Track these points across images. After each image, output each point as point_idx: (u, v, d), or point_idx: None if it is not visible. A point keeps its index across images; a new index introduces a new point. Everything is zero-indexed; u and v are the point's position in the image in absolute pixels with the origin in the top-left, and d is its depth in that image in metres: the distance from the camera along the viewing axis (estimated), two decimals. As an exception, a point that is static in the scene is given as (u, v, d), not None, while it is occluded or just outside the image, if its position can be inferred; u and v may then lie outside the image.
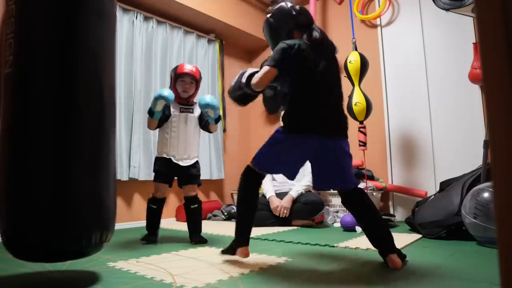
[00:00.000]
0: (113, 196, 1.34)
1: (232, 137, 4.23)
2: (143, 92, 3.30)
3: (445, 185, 2.41)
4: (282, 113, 1.64)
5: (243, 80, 1.58)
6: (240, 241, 1.57)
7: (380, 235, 1.49)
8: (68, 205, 1.16)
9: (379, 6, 3.36)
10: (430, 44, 3.11)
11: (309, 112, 1.49)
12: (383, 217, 2.62)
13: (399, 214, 3.13)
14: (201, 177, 3.66)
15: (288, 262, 1.59)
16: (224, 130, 4.05)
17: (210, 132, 2.35)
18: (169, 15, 3.57)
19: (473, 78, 2.60)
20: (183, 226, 3.00)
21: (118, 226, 2.99)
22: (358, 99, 2.85)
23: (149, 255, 1.78)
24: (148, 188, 3.31)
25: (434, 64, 3.08)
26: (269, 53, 1.95)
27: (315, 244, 1.99)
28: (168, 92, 2.03)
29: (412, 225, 2.36)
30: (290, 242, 2.10)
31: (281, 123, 1.55)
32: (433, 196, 2.43)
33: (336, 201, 3.07)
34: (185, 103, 2.25)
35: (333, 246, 1.93)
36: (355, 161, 3.26)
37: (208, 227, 2.78)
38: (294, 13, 1.59)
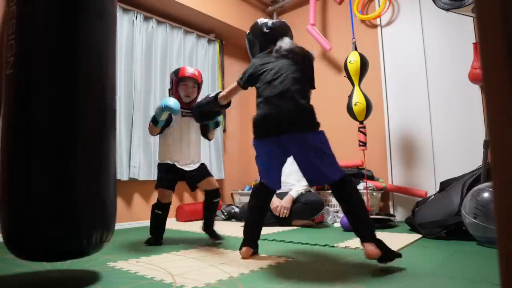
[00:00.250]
0: (113, 196, 1.34)
1: (232, 137, 4.23)
2: (143, 92, 3.30)
3: (445, 185, 2.41)
4: None
5: (212, 95, 1.86)
6: (248, 242, 1.71)
7: (358, 220, 1.50)
8: (69, 205, 1.16)
9: (379, 6, 3.36)
10: (430, 44, 3.11)
11: (262, 116, 1.60)
12: (383, 217, 2.64)
13: (399, 214, 3.13)
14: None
15: (288, 262, 1.59)
16: (224, 130, 4.06)
17: (208, 139, 2.34)
18: (169, 15, 3.57)
19: (473, 78, 2.60)
20: (183, 226, 3.00)
21: (118, 226, 2.99)
22: (358, 99, 2.85)
23: (149, 255, 1.78)
24: (148, 188, 3.31)
25: (434, 64, 3.08)
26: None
27: (315, 244, 1.99)
28: (173, 103, 1.99)
29: (412, 225, 2.36)
30: (290, 242, 2.10)
31: None
32: (433, 196, 2.43)
33: (336, 201, 3.07)
34: (187, 108, 2.22)
35: (333, 246, 1.93)
36: (355, 161, 3.27)
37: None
38: (265, 29, 1.78)
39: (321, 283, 1.25)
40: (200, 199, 3.81)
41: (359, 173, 3.12)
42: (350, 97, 2.91)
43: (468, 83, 2.75)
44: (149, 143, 3.28)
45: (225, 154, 4.08)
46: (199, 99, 2.27)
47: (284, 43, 1.69)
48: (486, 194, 1.85)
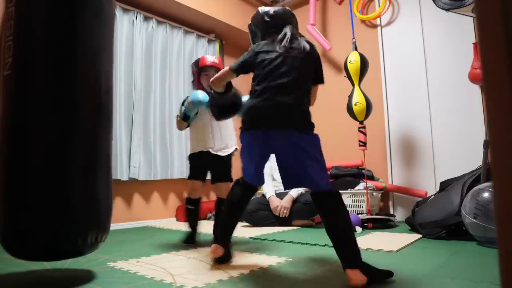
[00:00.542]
0: (109, 196, 1.35)
1: (232, 137, 4.23)
2: (143, 92, 3.30)
3: (445, 185, 2.41)
4: None
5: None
6: (217, 240, 1.57)
7: (342, 242, 1.30)
8: (64, 205, 1.17)
9: (379, 6, 3.36)
10: (430, 44, 3.11)
11: (251, 108, 1.49)
12: (383, 217, 2.64)
13: (399, 214, 3.13)
14: (201, 177, 3.70)
15: (288, 262, 1.59)
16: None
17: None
18: (169, 15, 3.57)
19: (473, 78, 2.60)
20: (183, 226, 3.00)
21: (118, 226, 3.01)
22: (358, 99, 2.85)
23: (149, 255, 1.78)
24: (148, 188, 3.32)
25: (434, 64, 3.08)
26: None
27: (315, 244, 1.99)
28: (203, 96, 1.96)
29: (412, 225, 2.36)
30: (290, 242, 2.10)
31: None
32: (433, 196, 2.43)
33: (336, 201, 3.07)
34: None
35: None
36: (355, 161, 3.27)
37: (209, 227, 2.77)
38: (266, 18, 1.66)
39: (321, 283, 1.25)
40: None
41: (359, 173, 3.12)
42: (350, 97, 2.91)
43: (468, 83, 2.75)
44: (149, 142, 3.28)
45: (225, 154, 4.08)
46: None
47: (288, 33, 1.58)
48: (486, 194, 1.85)
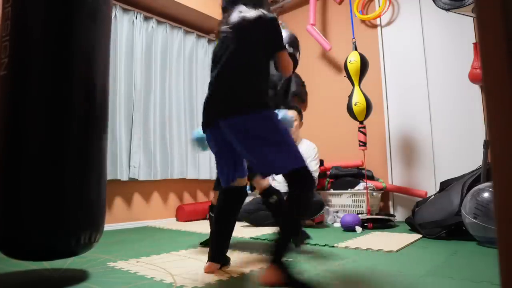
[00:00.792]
0: (102, 196, 1.35)
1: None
2: (143, 92, 3.30)
3: (445, 185, 2.41)
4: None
5: None
6: (212, 258, 1.44)
7: (284, 231, 1.24)
8: (57, 205, 1.17)
9: (379, 6, 3.36)
10: (430, 44, 3.11)
11: (203, 105, 1.43)
12: (383, 217, 2.64)
13: (399, 214, 3.13)
14: (201, 177, 3.70)
15: (288, 262, 1.59)
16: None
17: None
18: (169, 15, 3.57)
19: (473, 78, 2.60)
20: (183, 226, 3.01)
21: (118, 226, 3.02)
22: (358, 99, 2.85)
23: (149, 255, 1.78)
24: (148, 188, 3.32)
25: (434, 64, 3.08)
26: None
27: (315, 244, 1.99)
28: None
29: (412, 225, 2.36)
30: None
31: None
32: (433, 196, 2.43)
33: (336, 201, 3.07)
34: None
35: (333, 246, 1.93)
36: (355, 161, 3.27)
37: (209, 227, 2.78)
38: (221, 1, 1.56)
39: (321, 283, 1.25)
40: (200, 199, 3.81)
41: (359, 173, 3.12)
42: (350, 97, 2.91)
43: (468, 83, 2.75)
44: (149, 142, 3.28)
45: (225, 154, 4.07)
46: None
47: (233, 15, 1.40)
48: (486, 194, 1.84)
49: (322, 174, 3.25)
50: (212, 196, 2.03)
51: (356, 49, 2.98)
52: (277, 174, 1.33)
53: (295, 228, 1.24)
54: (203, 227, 2.72)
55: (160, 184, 3.42)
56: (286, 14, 4.17)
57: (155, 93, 3.41)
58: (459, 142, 2.88)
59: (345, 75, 2.97)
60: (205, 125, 1.42)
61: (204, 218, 3.39)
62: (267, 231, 2.54)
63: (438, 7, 2.39)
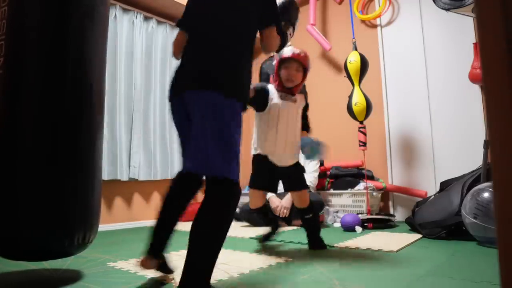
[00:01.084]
0: (97, 197, 1.35)
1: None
2: (143, 92, 3.30)
3: (445, 185, 2.41)
4: None
5: None
6: (148, 250, 1.29)
7: (192, 256, 1.01)
8: (50, 205, 1.17)
9: (379, 6, 3.36)
10: (430, 44, 3.11)
11: (175, 71, 1.26)
12: (383, 217, 2.64)
13: (399, 214, 3.13)
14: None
15: (288, 262, 1.59)
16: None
17: (307, 130, 2.00)
18: (169, 15, 3.57)
19: (473, 78, 2.60)
20: (183, 226, 3.00)
21: (118, 226, 3.01)
22: (358, 99, 2.85)
23: (149, 255, 1.78)
24: (148, 188, 3.32)
25: (434, 64, 3.08)
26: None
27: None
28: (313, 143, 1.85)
29: (412, 225, 2.36)
30: (290, 242, 2.10)
31: None
32: (433, 196, 2.43)
33: (336, 201, 3.07)
34: (288, 93, 1.88)
35: (333, 246, 1.93)
36: (355, 161, 3.27)
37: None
38: None
39: (321, 283, 1.25)
40: (200, 199, 3.81)
41: (359, 173, 3.12)
42: (350, 97, 2.91)
43: (468, 83, 2.75)
44: (149, 142, 3.28)
45: (225, 154, 4.07)
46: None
47: None
48: (486, 194, 1.84)
49: (322, 174, 3.25)
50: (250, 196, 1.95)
51: (356, 49, 2.98)
52: (206, 174, 1.11)
53: (211, 257, 1.01)
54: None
55: (160, 184, 3.42)
56: (286, 14, 4.16)
57: (155, 93, 3.41)
58: (459, 142, 2.88)
59: (345, 75, 2.97)
60: (170, 94, 1.24)
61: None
62: (267, 231, 2.53)
63: (438, 7, 2.39)
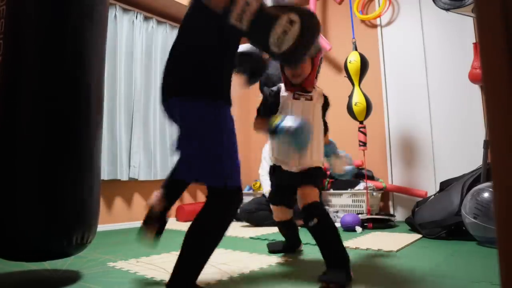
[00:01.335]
0: (95, 197, 1.34)
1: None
2: (143, 92, 3.30)
3: (445, 185, 2.41)
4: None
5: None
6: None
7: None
8: (50, 205, 1.17)
9: (379, 6, 3.36)
10: (430, 44, 3.11)
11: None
12: (383, 217, 2.64)
13: (399, 214, 3.12)
14: (201, 177, 3.69)
15: (288, 262, 1.59)
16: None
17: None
18: (169, 15, 3.57)
19: (473, 78, 2.60)
20: (183, 226, 3.00)
21: (118, 226, 3.01)
22: (358, 99, 2.85)
23: (149, 255, 1.78)
24: (148, 188, 3.32)
25: (434, 64, 3.08)
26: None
27: (315, 244, 1.98)
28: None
29: (412, 225, 2.36)
30: (290, 242, 2.10)
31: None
32: (433, 196, 2.43)
33: (336, 201, 3.07)
34: (299, 90, 1.56)
35: (333, 246, 1.93)
36: (355, 161, 3.26)
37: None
38: None
39: (320, 283, 1.25)
40: (200, 199, 3.81)
41: (359, 173, 3.12)
42: (350, 97, 2.91)
43: (468, 83, 2.75)
44: (149, 142, 3.28)
45: (225, 154, 4.07)
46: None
47: None
48: (486, 194, 1.84)
49: (322, 174, 3.25)
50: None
51: (356, 49, 2.98)
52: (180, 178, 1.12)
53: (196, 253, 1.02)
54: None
55: (160, 184, 3.41)
56: (286, 14, 4.16)
57: (155, 93, 3.41)
58: (459, 142, 2.88)
59: (345, 75, 2.97)
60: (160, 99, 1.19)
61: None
62: (267, 231, 2.54)
63: (438, 7, 2.39)
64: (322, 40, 3.55)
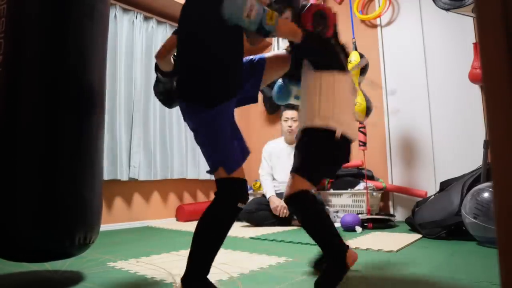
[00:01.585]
0: (98, 196, 1.34)
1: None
2: (143, 92, 3.30)
3: (445, 185, 2.41)
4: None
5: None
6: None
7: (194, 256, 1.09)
8: (51, 205, 1.16)
9: (379, 6, 3.36)
10: (430, 44, 3.11)
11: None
12: (383, 217, 2.64)
13: (399, 214, 3.13)
14: (201, 177, 3.70)
15: (288, 262, 1.59)
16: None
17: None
18: (169, 15, 3.57)
19: (473, 78, 2.60)
20: (183, 226, 3.00)
21: (118, 226, 3.01)
22: (358, 99, 2.85)
23: (149, 255, 1.78)
24: (148, 188, 3.32)
25: (434, 64, 3.08)
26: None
27: (315, 244, 1.98)
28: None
29: (412, 225, 2.36)
30: (290, 242, 2.10)
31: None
32: (433, 196, 2.43)
33: (336, 201, 3.07)
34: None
35: (333, 246, 1.93)
36: (355, 161, 3.27)
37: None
38: None
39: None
40: (200, 199, 3.81)
41: (359, 173, 3.12)
42: (350, 97, 2.90)
43: (468, 83, 2.75)
44: (149, 142, 3.28)
45: (225, 154, 4.07)
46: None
47: None
48: (486, 194, 1.84)
49: (322, 174, 3.25)
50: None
51: (356, 49, 2.98)
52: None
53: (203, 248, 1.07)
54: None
55: (160, 184, 3.42)
56: (286, 14, 4.16)
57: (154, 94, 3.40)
58: (459, 142, 2.88)
59: (345, 75, 2.97)
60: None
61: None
62: (267, 231, 2.54)
63: (438, 7, 2.39)
64: None
